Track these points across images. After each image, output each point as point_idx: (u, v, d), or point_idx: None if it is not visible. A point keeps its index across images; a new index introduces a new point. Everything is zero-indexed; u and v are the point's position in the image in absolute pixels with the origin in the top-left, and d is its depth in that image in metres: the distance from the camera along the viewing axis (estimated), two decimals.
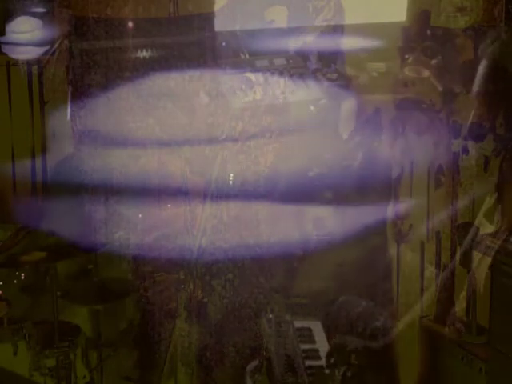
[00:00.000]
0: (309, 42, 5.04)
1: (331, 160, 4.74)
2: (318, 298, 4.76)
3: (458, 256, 4.62)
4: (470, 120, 4.53)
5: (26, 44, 4.91)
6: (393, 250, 4.84)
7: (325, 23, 5.12)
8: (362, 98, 4.92)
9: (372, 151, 4.76)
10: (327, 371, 4.40)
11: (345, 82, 5.00)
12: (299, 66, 4.93)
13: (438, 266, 4.74)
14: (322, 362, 4.46)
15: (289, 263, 4.78)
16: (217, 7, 4.94)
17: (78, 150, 4.86)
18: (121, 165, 4.68)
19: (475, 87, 4.50)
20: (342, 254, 4.64)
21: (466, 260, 4.53)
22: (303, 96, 4.88)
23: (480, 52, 4.57)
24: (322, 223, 4.75)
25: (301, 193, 4.68)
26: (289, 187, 4.66)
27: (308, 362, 4.46)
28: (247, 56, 4.91)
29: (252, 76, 4.79)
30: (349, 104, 4.87)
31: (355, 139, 4.80)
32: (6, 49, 4.94)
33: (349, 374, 4.42)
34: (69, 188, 4.78)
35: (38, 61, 5.11)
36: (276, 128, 4.74)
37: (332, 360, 4.43)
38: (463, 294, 4.58)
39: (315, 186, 4.72)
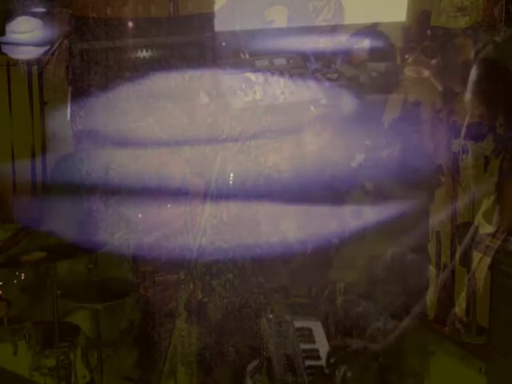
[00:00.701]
0: (309, 42, 5.04)
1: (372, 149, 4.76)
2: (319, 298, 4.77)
3: (457, 256, 4.62)
4: (469, 120, 4.53)
5: (26, 44, 4.92)
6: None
7: (325, 23, 5.13)
8: (363, 98, 4.93)
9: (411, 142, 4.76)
10: (327, 371, 4.40)
11: (345, 82, 5.00)
12: (299, 66, 4.93)
13: (438, 266, 4.74)
14: (322, 362, 4.46)
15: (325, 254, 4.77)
16: (217, 7, 4.94)
17: (77, 150, 4.86)
18: (121, 165, 4.68)
19: (469, 87, 4.51)
20: (376, 248, 4.63)
21: (466, 260, 4.53)
22: (303, 96, 4.88)
23: (480, 52, 4.57)
24: (360, 214, 4.74)
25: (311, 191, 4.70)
26: (299, 185, 4.67)
27: (308, 362, 4.46)
28: (247, 56, 4.91)
29: (252, 76, 4.79)
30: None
31: (395, 129, 4.81)
32: (6, 49, 4.95)
33: (349, 374, 4.42)
34: (69, 188, 4.78)
35: (38, 61, 5.11)
36: (276, 128, 4.74)
37: (332, 360, 4.44)
38: (463, 294, 4.58)
39: (354, 176, 4.73)
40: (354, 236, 4.66)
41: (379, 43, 4.93)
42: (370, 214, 4.68)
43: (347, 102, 4.91)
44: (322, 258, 4.78)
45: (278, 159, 4.78)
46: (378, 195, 4.73)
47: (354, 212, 4.76)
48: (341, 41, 5.09)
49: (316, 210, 4.74)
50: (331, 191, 4.79)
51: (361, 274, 4.66)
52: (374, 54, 4.99)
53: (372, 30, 5.01)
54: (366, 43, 5.00)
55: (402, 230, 4.57)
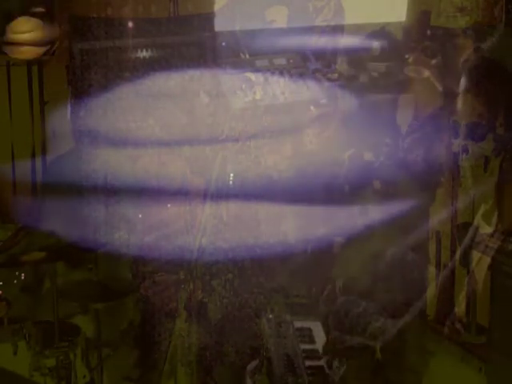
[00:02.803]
0: (309, 42, 5.04)
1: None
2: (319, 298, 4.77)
3: (457, 256, 4.62)
4: (469, 120, 4.53)
5: (26, 44, 4.91)
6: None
7: (325, 23, 5.13)
8: (364, 98, 4.93)
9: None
10: (324, 365, 4.41)
11: (345, 82, 5.00)
12: (299, 65, 4.93)
13: (438, 265, 4.74)
14: (322, 362, 4.47)
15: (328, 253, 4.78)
16: (217, 7, 4.94)
17: (77, 150, 4.86)
18: (121, 165, 4.68)
19: (469, 87, 4.50)
20: (379, 246, 4.63)
21: (466, 260, 4.53)
22: (303, 96, 4.88)
23: (480, 52, 4.58)
24: (366, 213, 4.74)
25: (311, 192, 4.70)
26: (298, 185, 4.67)
27: (308, 362, 4.46)
28: (247, 56, 4.91)
29: (252, 76, 4.79)
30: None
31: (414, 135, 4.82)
32: (6, 49, 4.94)
33: (345, 369, 4.42)
34: (69, 188, 4.77)
35: (38, 61, 5.11)
36: (276, 128, 4.74)
37: (329, 353, 4.45)
38: (463, 294, 4.58)
39: (358, 177, 4.74)
40: (355, 235, 4.67)
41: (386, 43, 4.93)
42: (374, 213, 4.68)
43: (347, 102, 4.91)
44: (321, 257, 4.78)
45: (277, 159, 4.78)
46: (386, 194, 4.74)
47: (354, 211, 4.76)
48: (341, 41, 5.09)
49: (315, 210, 4.74)
50: (330, 191, 4.80)
51: (363, 272, 4.66)
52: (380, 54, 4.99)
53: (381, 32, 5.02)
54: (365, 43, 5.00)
55: (403, 229, 4.58)
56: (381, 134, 4.87)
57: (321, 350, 4.54)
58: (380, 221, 4.59)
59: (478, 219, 4.50)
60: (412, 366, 4.63)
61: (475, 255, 4.46)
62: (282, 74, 4.84)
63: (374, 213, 4.70)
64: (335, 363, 4.43)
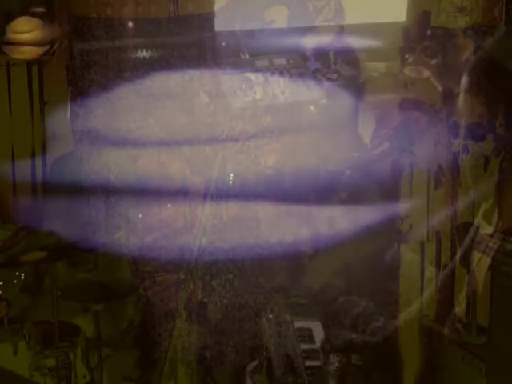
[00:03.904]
0: (309, 42, 5.04)
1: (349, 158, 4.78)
2: (319, 298, 4.77)
3: (458, 256, 4.61)
4: (469, 120, 4.53)
5: (26, 44, 4.91)
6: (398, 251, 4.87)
7: (325, 23, 5.13)
8: (364, 99, 4.94)
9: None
10: (322, 358, 4.42)
11: (345, 82, 5.00)
12: (299, 65, 4.93)
13: (438, 265, 4.74)
14: (322, 362, 4.47)
15: (297, 261, 4.81)
16: (217, 7, 4.94)
17: (77, 150, 4.86)
18: (121, 165, 4.68)
19: (469, 87, 4.50)
20: (351, 253, 4.67)
21: (466, 260, 4.53)
22: (303, 96, 4.88)
23: (480, 52, 4.57)
24: (333, 222, 4.76)
25: (311, 192, 4.71)
26: (298, 186, 4.68)
27: (308, 362, 4.46)
28: (247, 56, 4.91)
29: (252, 76, 4.79)
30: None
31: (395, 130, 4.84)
32: (6, 49, 4.94)
33: (348, 373, 4.42)
34: (69, 188, 4.78)
35: (38, 61, 5.11)
36: (276, 128, 4.74)
37: (327, 347, 4.45)
38: (463, 294, 4.58)
39: (326, 185, 4.75)
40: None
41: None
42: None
43: (347, 102, 4.91)
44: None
45: (278, 159, 4.79)
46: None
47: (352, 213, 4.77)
48: (341, 41, 5.09)
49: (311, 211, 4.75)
50: (329, 191, 4.80)
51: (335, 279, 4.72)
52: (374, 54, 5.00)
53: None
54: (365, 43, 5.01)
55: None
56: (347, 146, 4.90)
57: (320, 350, 4.55)
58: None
59: (478, 219, 4.50)
60: (411, 365, 4.65)
61: (475, 255, 4.46)
62: (281, 74, 4.84)
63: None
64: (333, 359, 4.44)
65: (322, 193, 4.80)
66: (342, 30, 5.12)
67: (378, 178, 4.82)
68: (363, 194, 4.83)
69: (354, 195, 4.84)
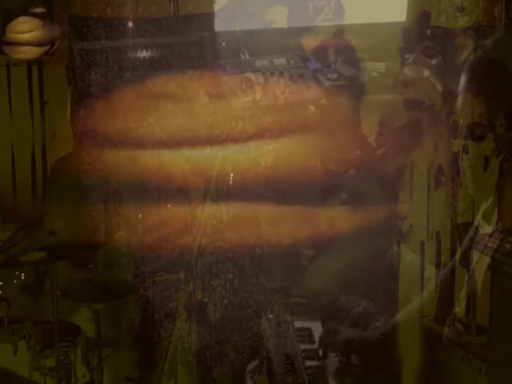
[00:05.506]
0: (309, 42, 5.04)
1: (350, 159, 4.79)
2: (319, 298, 4.78)
3: (457, 256, 4.62)
4: (469, 120, 4.53)
5: (26, 44, 4.91)
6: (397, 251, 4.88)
7: (325, 23, 5.13)
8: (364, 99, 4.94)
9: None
10: (326, 369, 4.42)
11: (345, 82, 5.01)
12: (299, 66, 4.94)
13: (437, 266, 4.74)
14: (322, 362, 4.47)
15: (297, 261, 4.82)
16: (217, 7, 4.94)
17: (77, 150, 4.86)
18: (121, 165, 4.68)
19: (469, 87, 4.50)
20: (351, 253, 4.67)
21: (466, 260, 4.53)
22: (303, 96, 4.88)
23: (480, 52, 4.57)
24: (333, 222, 4.77)
25: (311, 192, 4.71)
26: (298, 186, 4.68)
27: (308, 362, 4.46)
28: (247, 56, 4.91)
29: (252, 76, 4.79)
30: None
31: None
32: (6, 49, 4.95)
33: (348, 373, 4.43)
34: (69, 188, 4.78)
35: (38, 61, 5.11)
36: (276, 128, 4.74)
37: (325, 344, 4.46)
38: (463, 294, 4.58)
39: (326, 185, 4.76)
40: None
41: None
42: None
43: (347, 102, 4.91)
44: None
45: (278, 159, 4.78)
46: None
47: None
48: (341, 41, 5.09)
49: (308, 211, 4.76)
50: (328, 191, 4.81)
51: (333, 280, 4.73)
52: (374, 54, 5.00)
53: None
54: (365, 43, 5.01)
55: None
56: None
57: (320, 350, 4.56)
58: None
59: (478, 218, 4.50)
60: (410, 365, 4.64)
61: (475, 255, 4.46)
62: (281, 74, 4.84)
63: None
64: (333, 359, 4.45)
65: (322, 193, 4.81)
66: (341, 30, 5.13)
67: (379, 177, 4.82)
68: (363, 194, 4.83)
69: (354, 195, 4.85)
